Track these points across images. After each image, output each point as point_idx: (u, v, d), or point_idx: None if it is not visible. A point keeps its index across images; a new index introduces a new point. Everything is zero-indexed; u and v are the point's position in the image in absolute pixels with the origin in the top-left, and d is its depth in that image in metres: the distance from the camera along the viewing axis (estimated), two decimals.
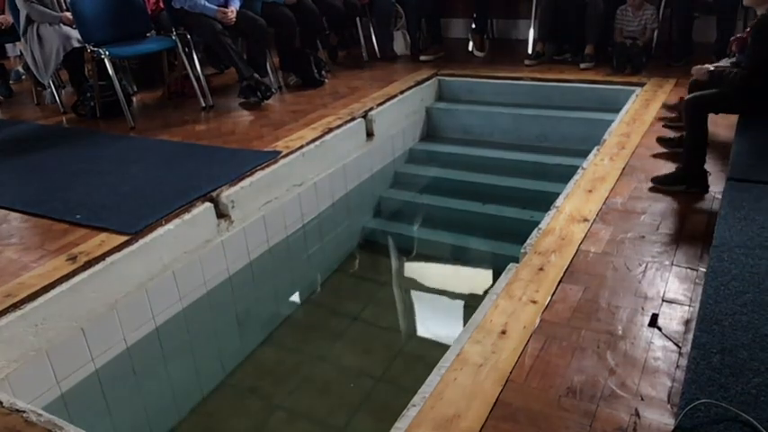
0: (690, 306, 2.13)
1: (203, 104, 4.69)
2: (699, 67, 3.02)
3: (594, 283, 2.30)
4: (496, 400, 1.79)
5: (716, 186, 2.89)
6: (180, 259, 2.92)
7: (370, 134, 4.31)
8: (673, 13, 4.97)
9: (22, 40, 4.76)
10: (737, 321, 1.59)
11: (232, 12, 4.56)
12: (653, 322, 2.06)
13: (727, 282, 1.75)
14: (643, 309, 2.14)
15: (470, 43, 5.86)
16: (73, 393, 2.47)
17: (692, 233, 2.59)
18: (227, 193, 3.17)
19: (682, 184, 2.94)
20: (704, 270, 2.22)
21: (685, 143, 2.99)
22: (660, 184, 2.99)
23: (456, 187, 4.30)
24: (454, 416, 1.74)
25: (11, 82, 5.86)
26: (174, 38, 4.63)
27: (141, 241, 2.75)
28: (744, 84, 2.69)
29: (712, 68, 2.94)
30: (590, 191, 3.02)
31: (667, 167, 3.14)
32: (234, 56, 4.60)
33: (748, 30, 3.40)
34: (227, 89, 5.17)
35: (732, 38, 3.56)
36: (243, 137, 3.98)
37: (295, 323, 3.27)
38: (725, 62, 3.18)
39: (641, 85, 4.47)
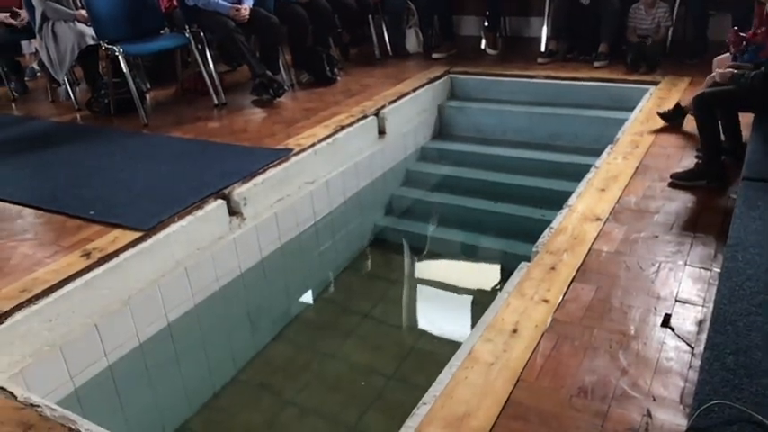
0: (703, 306, 2.12)
1: (216, 102, 4.71)
2: (721, 71, 3.01)
3: (607, 283, 2.29)
4: (507, 399, 1.79)
5: (730, 186, 2.87)
6: (192, 256, 2.94)
7: (382, 132, 4.31)
8: (687, 10, 4.93)
9: (38, 37, 4.80)
10: (752, 322, 1.58)
11: (245, 9, 4.57)
12: (666, 322, 2.04)
13: (742, 282, 1.74)
14: (656, 309, 2.13)
15: (483, 41, 5.85)
16: (86, 388, 2.49)
17: (705, 233, 2.57)
18: (239, 191, 3.18)
19: (701, 180, 2.93)
20: (718, 270, 2.20)
21: (701, 140, 3.00)
22: (680, 180, 2.98)
23: (468, 186, 4.29)
24: (465, 414, 1.74)
25: (26, 79, 5.90)
26: (187, 35, 4.64)
27: (154, 238, 2.77)
28: (762, 84, 2.67)
29: (734, 71, 2.93)
30: (603, 190, 3.01)
31: (682, 165, 3.12)
32: (247, 53, 4.62)
33: (736, 31, 3.45)
34: (239, 86, 5.18)
35: (728, 36, 3.56)
36: (255, 134, 3.99)
37: (306, 320, 3.28)
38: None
39: (655, 83, 4.44)
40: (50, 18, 4.66)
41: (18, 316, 2.30)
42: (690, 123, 3.55)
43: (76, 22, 4.64)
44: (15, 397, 2.01)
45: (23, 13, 5.22)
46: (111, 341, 2.59)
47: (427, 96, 4.87)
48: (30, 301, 2.35)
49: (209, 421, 2.59)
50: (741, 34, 3.41)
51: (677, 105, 3.69)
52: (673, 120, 3.68)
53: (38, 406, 1.97)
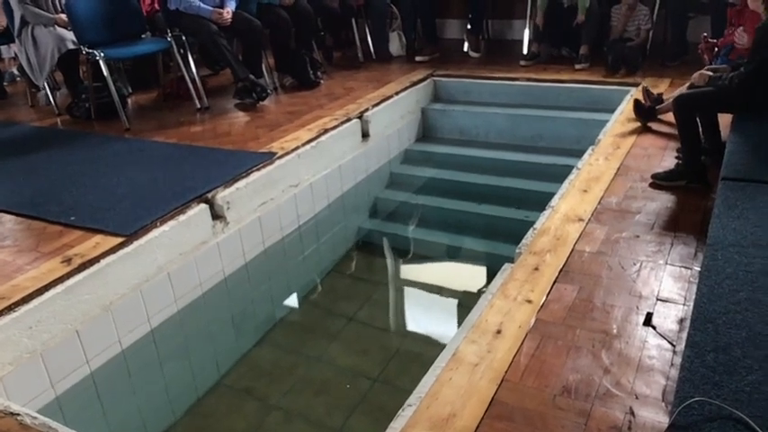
0: (684, 305, 2.14)
1: (198, 106, 4.69)
2: (699, 73, 3.07)
3: (589, 283, 2.30)
4: (492, 399, 1.79)
5: (710, 186, 2.90)
6: (175, 261, 2.92)
7: (365, 135, 4.31)
8: (668, 13, 4.99)
9: (17, 41, 4.76)
10: (731, 320, 1.59)
11: (228, 13, 4.55)
12: (647, 321, 2.06)
13: (721, 280, 1.76)
14: (638, 308, 2.14)
15: (466, 44, 5.87)
16: (68, 396, 2.46)
17: (686, 232, 2.59)
18: (222, 195, 3.17)
19: (681, 180, 2.97)
20: (698, 269, 2.22)
21: (681, 141, 3.04)
22: (661, 181, 3.01)
23: (451, 188, 4.30)
24: (450, 415, 1.75)
25: (5, 83, 5.84)
26: (169, 39, 4.63)
27: (136, 243, 2.75)
28: (741, 85, 2.70)
29: (711, 74, 2.98)
30: (585, 191, 3.03)
31: (663, 165, 3.15)
32: (229, 57, 4.60)
33: (705, 38, 3.53)
34: (222, 90, 5.16)
35: (699, 45, 3.63)
36: (238, 138, 3.97)
37: (291, 324, 3.27)
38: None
39: (636, 85, 4.47)
40: (30, 22, 4.61)
41: None
42: (670, 124, 3.60)
43: (56, 27, 4.60)
44: None
45: None
46: (93, 348, 2.56)
47: (411, 99, 4.88)
48: (9, 309, 2.32)
49: (193, 427, 2.57)
50: (711, 40, 3.48)
51: (651, 107, 3.74)
52: (645, 115, 3.73)
53: (18, 414, 1.95)
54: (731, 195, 2.24)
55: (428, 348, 2.73)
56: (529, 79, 4.89)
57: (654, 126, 3.73)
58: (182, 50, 4.70)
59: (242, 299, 3.33)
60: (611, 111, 4.15)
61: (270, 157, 3.53)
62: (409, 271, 3.81)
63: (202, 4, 4.51)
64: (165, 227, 2.88)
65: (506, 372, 1.89)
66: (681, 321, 2.05)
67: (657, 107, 3.70)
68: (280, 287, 3.60)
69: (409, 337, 3.12)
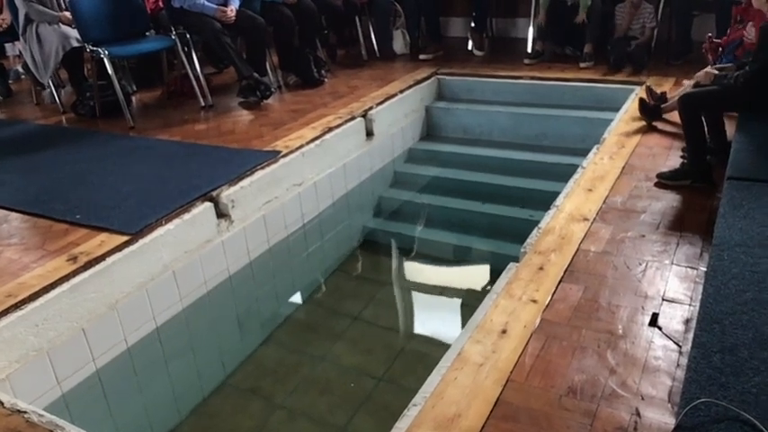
0: (690, 305, 2.13)
1: (203, 104, 4.69)
2: (705, 71, 3.06)
3: (595, 283, 2.30)
4: (497, 399, 1.79)
5: (716, 185, 2.89)
6: (180, 259, 2.92)
7: (369, 133, 4.31)
8: (672, 11, 4.98)
9: (21, 39, 4.76)
10: (738, 320, 1.59)
11: (232, 11, 4.55)
12: (653, 321, 2.06)
13: (728, 281, 1.75)
14: (643, 308, 2.14)
15: (470, 42, 5.87)
16: (74, 394, 2.47)
17: (691, 232, 2.59)
18: (227, 193, 3.17)
19: (686, 179, 2.96)
20: (704, 269, 2.22)
21: (686, 140, 3.04)
22: (666, 180, 3.01)
23: (456, 187, 4.30)
24: (455, 415, 1.75)
25: (10, 82, 5.85)
26: (173, 37, 4.63)
27: (141, 241, 2.75)
28: (747, 84, 2.70)
29: (717, 72, 2.97)
30: (590, 190, 3.03)
31: (668, 165, 3.15)
32: (233, 55, 4.60)
33: (710, 38, 3.53)
34: (226, 88, 5.17)
35: (703, 45, 3.62)
36: (242, 136, 3.97)
37: (295, 323, 3.27)
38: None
39: (641, 83, 4.47)
40: (34, 20, 4.61)
41: (4, 321, 2.28)
42: (675, 123, 3.59)
43: (61, 24, 4.60)
44: (2, 403, 1.99)
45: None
46: (99, 346, 2.57)
47: (415, 97, 4.88)
48: (15, 306, 2.33)
49: (198, 426, 2.57)
50: (716, 41, 3.48)
51: (657, 106, 3.73)
52: (650, 114, 3.72)
53: (25, 412, 1.95)
54: (737, 195, 2.23)
55: (433, 348, 2.73)
56: (533, 78, 4.89)
57: (659, 125, 3.73)
58: (186, 48, 4.70)
59: (246, 297, 3.34)
60: (616, 109, 4.14)
61: (274, 156, 3.54)
62: (413, 270, 3.81)
63: (207, 2, 4.51)
64: (171, 225, 2.89)
65: (511, 372, 1.89)
66: (687, 322, 2.05)
67: (662, 106, 3.70)
68: (284, 286, 3.60)
69: (414, 337, 3.12)
